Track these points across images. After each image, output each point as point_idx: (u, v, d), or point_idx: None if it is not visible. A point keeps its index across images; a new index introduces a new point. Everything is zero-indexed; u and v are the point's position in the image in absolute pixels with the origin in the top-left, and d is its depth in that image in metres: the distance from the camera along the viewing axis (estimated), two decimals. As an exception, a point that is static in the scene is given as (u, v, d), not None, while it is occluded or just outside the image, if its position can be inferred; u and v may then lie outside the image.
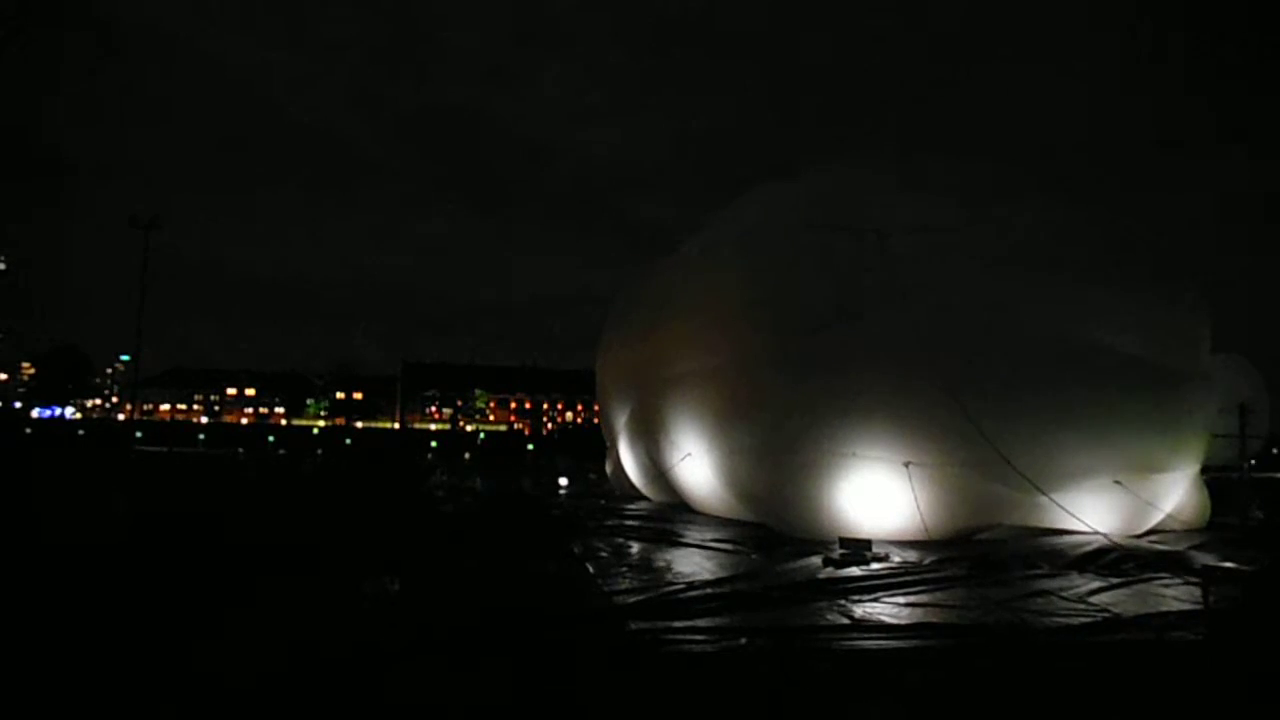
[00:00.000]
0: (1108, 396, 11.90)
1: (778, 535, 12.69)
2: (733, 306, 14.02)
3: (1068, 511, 11.79)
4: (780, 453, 12.68)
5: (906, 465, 11.88)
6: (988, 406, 11.60)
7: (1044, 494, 11.70)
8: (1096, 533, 11.69)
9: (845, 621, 7.48)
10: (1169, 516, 13.09)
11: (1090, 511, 12.22)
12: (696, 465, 15.06)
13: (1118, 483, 12.22)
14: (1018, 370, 11.78)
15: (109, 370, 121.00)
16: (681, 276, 16.24)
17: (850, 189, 14.00)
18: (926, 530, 12.05)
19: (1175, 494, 13.08)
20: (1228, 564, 10.36)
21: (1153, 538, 12.43)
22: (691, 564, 10.58)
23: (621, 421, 19.02)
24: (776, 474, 12.84)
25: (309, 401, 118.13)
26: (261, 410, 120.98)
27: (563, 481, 26.26)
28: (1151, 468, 12.49)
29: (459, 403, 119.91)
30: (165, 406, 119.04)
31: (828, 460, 12.20)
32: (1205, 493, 14.05)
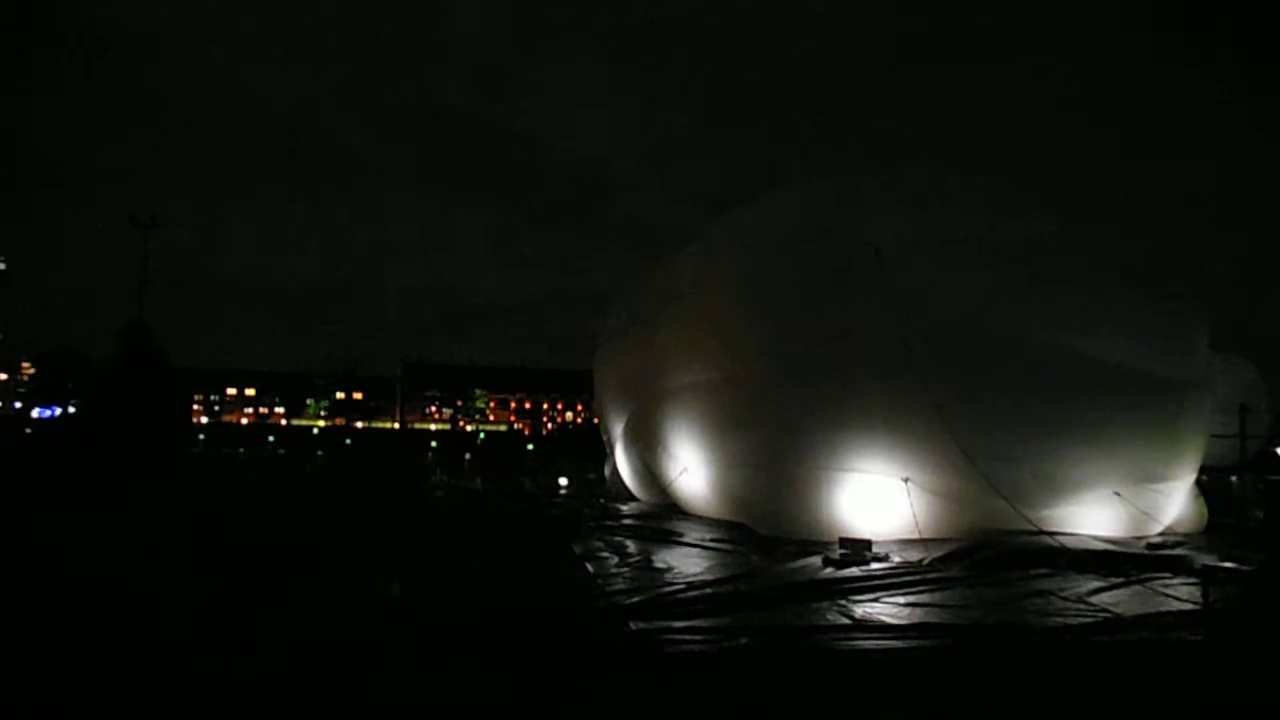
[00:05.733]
0: (1106, 408, 11.87)
1: (777, 536, 12.68)
2: (731, 320, 13.99)
3: (1047, 532, 11.66)
4: (779, 466, 12.67)
5: (905, 481, 11.90)
6: (986, 419, 11.60)
7: (1025, 516, 11.66)
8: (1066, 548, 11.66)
9: (846, 621, 7.48)
10: (1167, 527, 13.09)
11: (1091, 523, 12.22)
12: (693, 477, 15.10)
13: (1117, 494, 12.23)
14: (1015, 382, 11.76)
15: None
16: (679, 287, 16.20)
17: (846, 201, 13.96)
18: (924, 539, 12.05)
19: (1174, 504, 13.06)
20: (1228, 564, 10.38)
21: (1153, 540, 12.41)
22: (691, 564, 10.58)
23: (619, 429, 19.03)
24: (775, 487, 12.83)
25: (309, 401, 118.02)
26: (261, 410, 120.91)
27: (562, 482, 26.27)
28: (1150, 478, 12.48)
29: (459, 403, 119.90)
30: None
31: (826, 475, 12.20)
32: (1202, 500, 14.05)
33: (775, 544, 11.92)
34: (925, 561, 10.51)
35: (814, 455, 12.24)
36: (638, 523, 14.77)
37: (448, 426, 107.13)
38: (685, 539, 12.76)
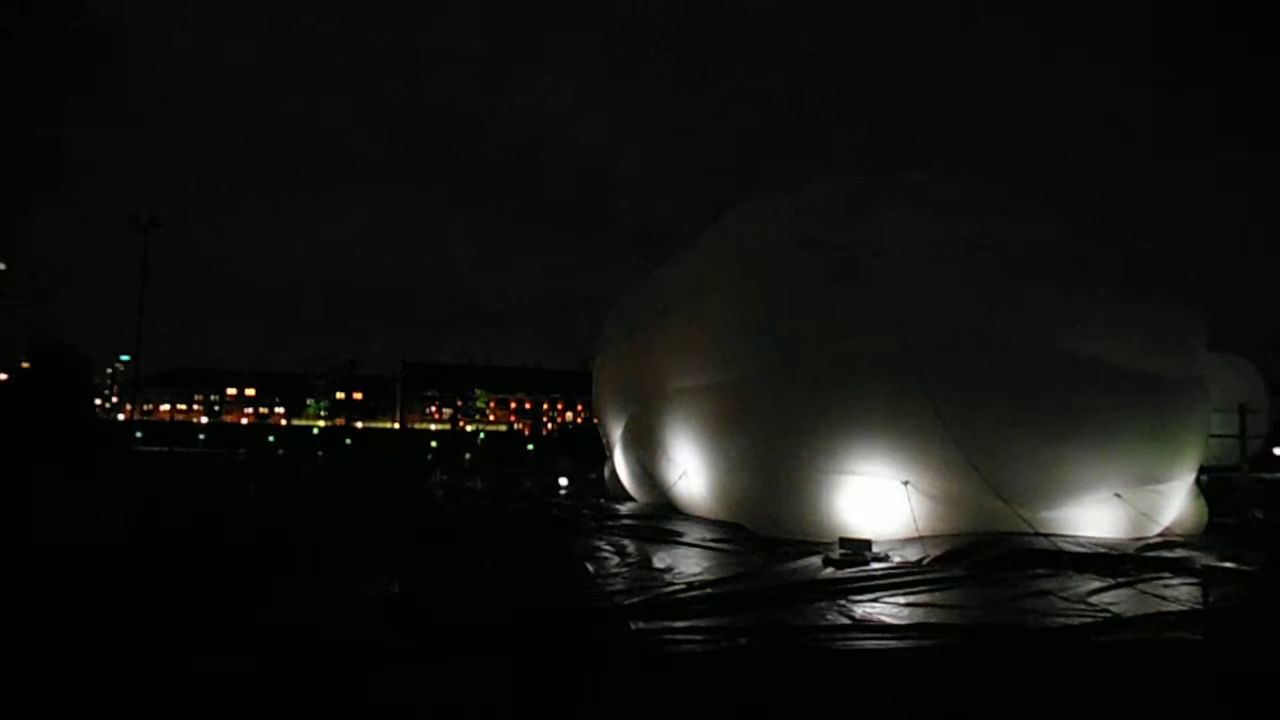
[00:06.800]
0: (1106, 409, 11.84)
1: (777, 536, 12.68)
2: (730, 322, 13.97)
3: (1045, 534, 11.62)
4: (779, 469, 12.67)
5: (905, 484, 11.91)
6: (985, 421, 11.58)
7: (1023, 519, 11.64)
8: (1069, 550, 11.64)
9: (845, 621, 7.48)
10: (1167, 528, 13.09)
11: (1092, 524, 12.22)
12: (693, 480, 15.10)
13: (1118, 495, 12.23)
14: (1015, 384, 11.74)
15: (109, 370, 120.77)
16: (679, 290, 16.18)
17: (845, 203, 13.95)
18: (922, 538, 12.04)
19: (1174, 505, 13.05)
20: (1228, 564, 10.38)
21: (1152, 541, 12.41)
22: (691, 564, 10.58)
23: (618, 432, 19.05)
24: (775, 490, 12.82)
25: (309, 401, 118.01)
26: (261, 410, 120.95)
27: (563, 482, 26.26)
28: (1150, 479, 12.46)
29: (459, 403, 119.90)
30: (165, 406, 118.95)
31: (826, 478, 12.20)
32: (1202, 500, 14.04)
33: (775, 544, 11.92)
34: (925, 561, 10.51)
35: (813, 458, 12.23)
36: (637, 523, 14.78)
37: (448, 426, 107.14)
38: (685, 539, 12.76)
